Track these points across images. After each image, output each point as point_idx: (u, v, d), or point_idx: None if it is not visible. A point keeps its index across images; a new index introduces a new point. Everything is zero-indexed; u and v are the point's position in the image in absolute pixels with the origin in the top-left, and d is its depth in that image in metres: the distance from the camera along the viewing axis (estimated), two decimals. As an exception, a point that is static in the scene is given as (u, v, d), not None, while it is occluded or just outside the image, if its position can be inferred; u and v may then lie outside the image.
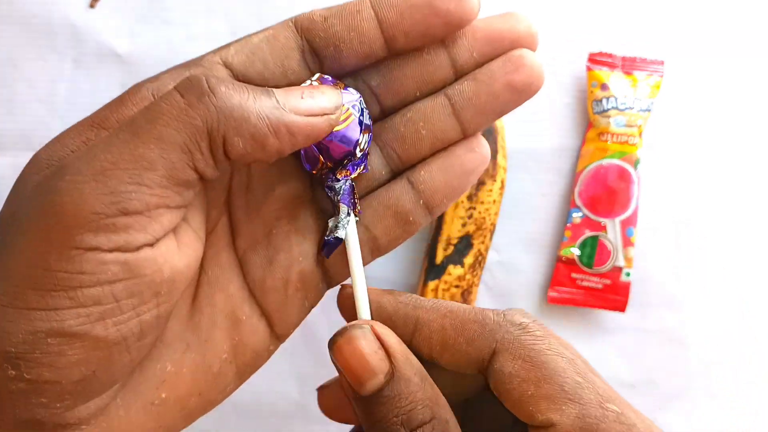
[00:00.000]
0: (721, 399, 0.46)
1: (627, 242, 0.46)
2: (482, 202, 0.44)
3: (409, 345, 0.23)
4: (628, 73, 0.46)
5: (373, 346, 0.21)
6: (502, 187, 0.45)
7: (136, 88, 0.22)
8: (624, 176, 0.46)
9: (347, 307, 0.24)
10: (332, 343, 0.22)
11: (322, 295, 0.26)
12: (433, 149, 0.25)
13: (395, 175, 0.26)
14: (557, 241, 0.47)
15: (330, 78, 0.23)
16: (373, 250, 0.25)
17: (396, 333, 0.22)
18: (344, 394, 0.22)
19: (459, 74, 0.24)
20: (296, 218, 0.25)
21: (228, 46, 0.23)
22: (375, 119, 0.25)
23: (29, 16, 0.47)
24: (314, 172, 0.24)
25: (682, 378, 0.46)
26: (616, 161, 0.46)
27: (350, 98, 0.23)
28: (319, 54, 0.23)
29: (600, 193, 0.46)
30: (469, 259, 0.44)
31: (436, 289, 0.44)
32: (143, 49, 0.47)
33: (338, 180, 0.23)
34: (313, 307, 0.26)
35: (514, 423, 0.22)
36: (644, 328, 0.47)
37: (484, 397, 0.24)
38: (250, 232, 0.24)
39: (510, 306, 0.48)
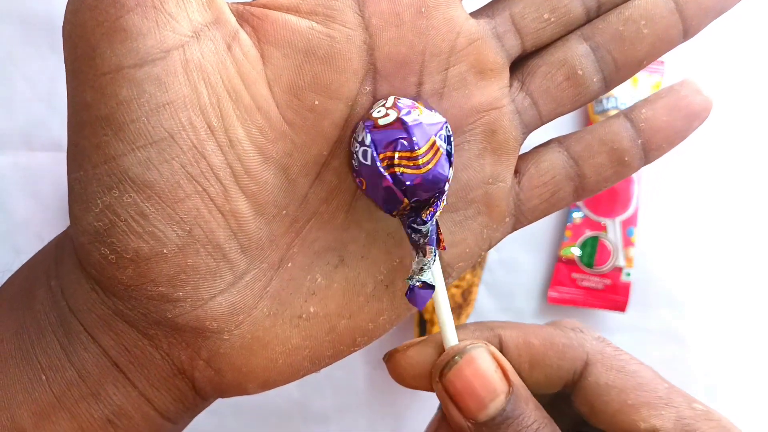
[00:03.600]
0: (721, 399, 0.46)
1: (627, 242, 0.46)
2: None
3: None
4: (628, 73, 0.46)
5: (493, 365, 0.20)
6: (502, 187, 0.45)
7: None
8: (624, 176, 0.46)
9: (411, 364, 0.22)
10: (446, 369, 0.20)
11: (507, 233, 0.24)
12: (653, 52, 0.23)
13: (608, 84, 0.23)
14: (558, 241, 0.47)
15: (407, 102, 0.20)
16: (578, 190, 0.23)
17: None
18: (450, 426, 0.21)
19: None
20: (494, 134, 0.22)
21: None
22: (590, 17, 0.23)
23: (29, 14, 0.47)
24: (394, 214, 0.21)
25: (682, 378, 0.46)
26: (616, 161, 0.46)
27: (434, 126, 0.20)
28: None
29: (600, 192, 0.46)
30: (469, 259, 0.44)
31: (436, 289, 0.44)
32: (143, 49, 0.47)
33: (425, 222, 0.20)
34: (492, 245, 0.23)
35: None
36: (644, 328, 0.47)
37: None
38: None
39: (510, 306, 0.48)
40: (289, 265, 0.21)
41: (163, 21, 0.17)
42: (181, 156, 0.18)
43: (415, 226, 0.20)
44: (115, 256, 0.18)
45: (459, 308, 0.45)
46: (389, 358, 0.23)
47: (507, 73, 0.22)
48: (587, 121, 0.47)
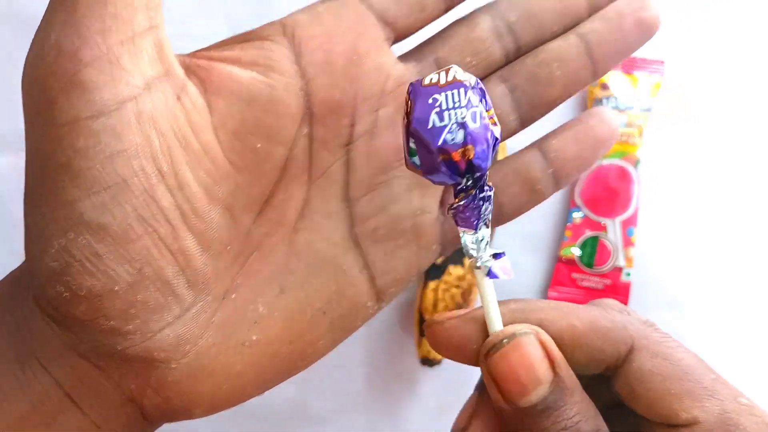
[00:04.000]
0: (721, 399, 0.46)
1: (627, 242, 0.46)
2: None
3: None
4: (628, 73, 0.46)
5: (540, 353, 0.20)
6: (502, 187, 0.45)
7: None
8: (624, 176, 0.46)
9: (448, 336, 0.22)
10: (492, 351, 0.20)
11: (434, 259, 0.25)
12: (565, 93, 0.24)
13: (523, 123, 0.26)
14: (558, 241, 0.47)
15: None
16: (497, 218, 0.25)
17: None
18: (492, 407, 0.21)
19: (593, 9, 0.24)
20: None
21: None
22: (509, 60, 0.24)
23: (29, 15, 0.47)
24: (460, 176, 0.20)
25: (683, 378, 0.46)
26: (616, 161, 0.46)
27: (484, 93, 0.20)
28: None
29: (600, 193, 0.46)
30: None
31: (436, 289, 0.44)
32: (143, 49, 0.47)
33: (488, 188, 0.20)
34: (421, 271, 0.25)
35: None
36: (644, 328, 0.47)
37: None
38: (367, 180, 0.23)
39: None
40: (233, 296, 0.22)
41: (117, 75, 0.19)
42: (133, 200, 0.19)
43: (484, 193, 0.20)
44: (69, 293, 0.19)
45: (459, 308, 0.45)
46: (428, 327, 0.23)
47: None
48: (587, 121, 0.47)
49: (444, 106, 0.19)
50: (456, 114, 0.19)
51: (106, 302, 0.19)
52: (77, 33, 0.19)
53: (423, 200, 0.24)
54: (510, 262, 0.21)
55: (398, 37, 0.24)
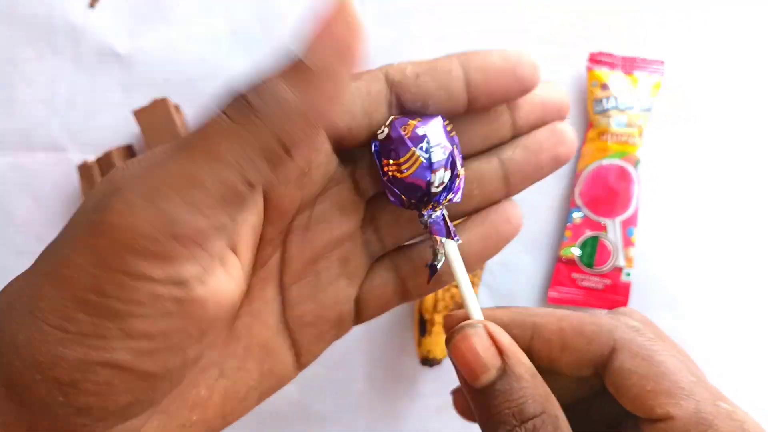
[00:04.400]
0: (721, 399, 0.46)
1: (627, 242, 0.46)
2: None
3: (528, 351, 0.24)
4: (628, 73, 0.46)
5: (485, 342, 0.23)
6: (502, 187, 0.45)
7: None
8: (624, 176, 0.46)
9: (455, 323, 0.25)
10: (449, 340, 0.23)
11: (347, 331, 0.28)
12: (480, 206, 0.26)
13: None
14: (558, 241, 0.47)
15: (402, 119, 0.24)
16: (401, 295, 0.27)
17: (515, 335, 0.24)
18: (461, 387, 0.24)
19: (516, 134, 0.26)
20: (347, 262, 0.26)
21: None
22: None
23: (29, 15, 0.47)
24: (405, 206, 0.25)
25: (683, 378, 0.46)
26: (616, 161, 0.46)
27: (416, 139, 0.24)
28: (404, 106, 0.24)
29: (600, 193, 0.46)
30: (469, 259, 0.44)
31: (436, 289, 0.44)
32: (143, 49, 0.47)
33: (423, 215, 0.24)
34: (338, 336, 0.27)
35: (621, 423, 0.24)
36: (644, 328, 0.47)
37: (591, 401, 0.26)
38: (299, 269, 0.25)
39: (512, 305, 0.48)
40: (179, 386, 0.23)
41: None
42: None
43: (419, 218, 0.25)
44: (43, 381, 0.19)
45: (460, 308, 0.45)
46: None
47: (362, 210, 0.26)
48: (587, 122, 0.47)
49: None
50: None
51: (79, 398, 0.20)
52: None
53: (347, 290, 0.26)
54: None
55: (341, 143, 0.25)
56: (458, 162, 0.24)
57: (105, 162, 0.45)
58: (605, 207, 0.46)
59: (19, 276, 0.20)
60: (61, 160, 0.47)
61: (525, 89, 0.25)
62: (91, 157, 0.46)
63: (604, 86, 0.46)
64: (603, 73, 0.46)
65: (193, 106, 0.47)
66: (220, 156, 0.19)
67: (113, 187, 0.19)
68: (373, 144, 0.24)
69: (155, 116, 0.45)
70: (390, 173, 0.24)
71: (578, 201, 0.46)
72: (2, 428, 0.20)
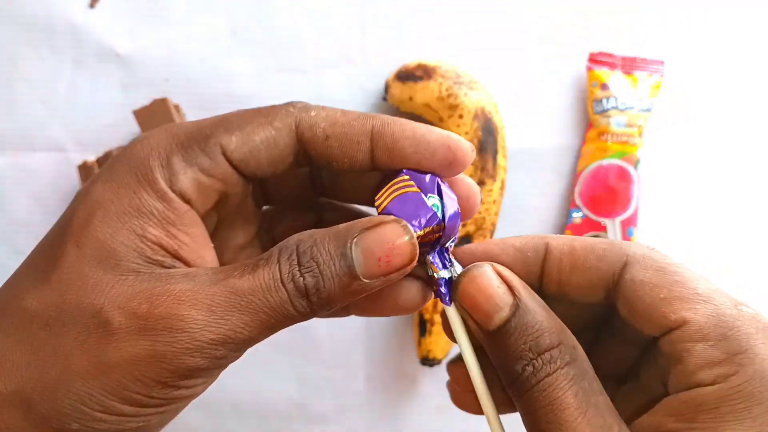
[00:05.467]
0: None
1: (627, 242, 0.46)
2: (482, 202, 0.44)
3: (540, 272, 0.24)
4: (628, 73, 0.46)
5: (495, 281, 0.22)
6: (502, 187, 0.45)
7: (146, 175, 0.23)
8: (624, 176, 0.46)
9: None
10: (457, 287, 0.23)
11: None
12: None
13: None
14: (557, 241, 0.47)
15: (416, 176, 0.24)
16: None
17: (526, 262, 0.24)
18: (475, 338, 0.23)
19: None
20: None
21: (229, 131, 0.24)
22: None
23: (29, 15, 0.47)
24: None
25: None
26: (616, 161, 0.46)
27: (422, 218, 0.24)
28: (311, 159, 0.25)
29: (600, 193, 0.46)
30: (469, 259, 0.44)
31: (436, 289, 0.44)
32: (143, 49, 0.47)
33: (423, 263, 0.24)
34: None
35: (634, 355, 0.23)
36: (644, 328, 0.47)
37: (601, 333, 0.25)
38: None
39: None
40: None
41: None
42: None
43: (421, 259, 0.24)
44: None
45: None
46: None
47: (259, 219, 0.28)
48: (587, 121, 0.47)
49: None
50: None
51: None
52: None
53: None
54: None
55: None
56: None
57: (105, 162, 0.45)
58: (605, 207, 0.46)
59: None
60: (61, 160, 0.47)
61: (454, 171, 0.25)
62: (91, 157, 0.46)
63: (604, 86, 0.46)
64: (603, 73, 0.46)
65: (193, 106, 0.47)
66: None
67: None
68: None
69: (155, 116, 0.45)
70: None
71: (578, 201, 0.46)
72: None
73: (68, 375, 0.20)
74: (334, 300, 0.22)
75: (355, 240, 0.22)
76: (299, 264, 0.22)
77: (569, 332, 0.22)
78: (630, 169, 0.46)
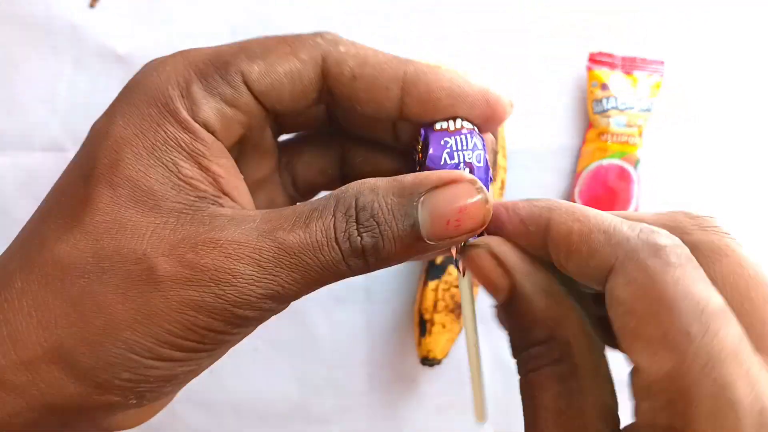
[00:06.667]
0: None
1: (627, 242, 0.46)
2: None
3: (545, 247, 0.21)
4: (628, 73, 0.46)
5: (490, 264, 0.21)
6: (502, 187, 0.45)
7: (168, 105, 0.21)
8: (624, 176, 0.46)
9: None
10: (463, 259, 0.22)
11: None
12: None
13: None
14: (557, 241, 0.47)
15: (471, 129, 0.23)
16: None
17: (529, 236, 0.21)
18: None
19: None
20: (273, 203, 0.27)
21: (251, 59, 0.22)
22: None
23: (29, 16, 0.47)
24: None
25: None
26: (616, 161, 0.46)
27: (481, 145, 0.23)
28: (334, 97, 0.23)
29: (600, 193, 0.46)
30: (469, 259, 0.44)
31: (436, 289, 0.44)
32: (143, 49, 0.47)
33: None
34: None
35: None
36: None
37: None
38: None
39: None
40: None
41: None
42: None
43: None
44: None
45: (459, 308, 0.45)
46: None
47: (277, 154, 0.27)
48: (587, 121, 0.47)
49: (454, 148, 0.22)
50: (464, 155, 0.22)
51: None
52: None
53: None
54: None
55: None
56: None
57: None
58: (605, 207, 0.46)
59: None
60: (61, 160, 0.47)
61: (495, 123, 0.23)
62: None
63: (604, 86, 0.46)
64: (603, 73, 0.46)
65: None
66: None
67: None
68: (425, 132, 0.23)
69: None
70: (486, 162, 0.23)
71: (578, 201, 0.46)
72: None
73: (113, 325, 0.19)
74: (393, 260, 0.21)
75: (422, 199, 0.20)
76: (357, 221, 0.20)
77: (571, 324, 0.20)
78: (630, 169, 0.46)
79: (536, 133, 0.47)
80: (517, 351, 0.21)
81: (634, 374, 0.17)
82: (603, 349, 0.20)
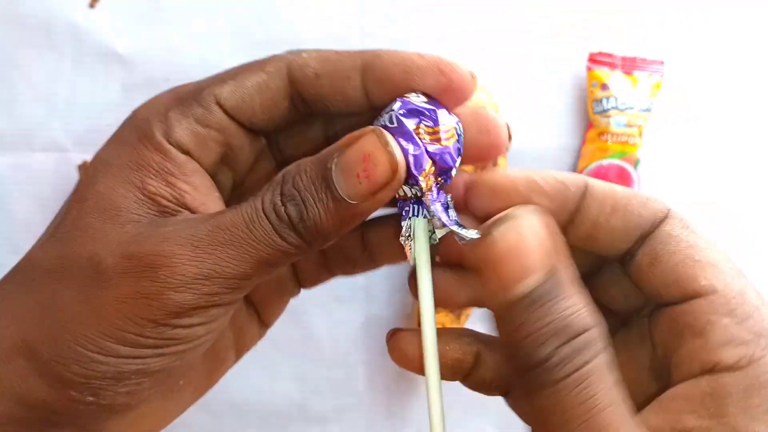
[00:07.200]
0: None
1: (627, 242, 0.46)
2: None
3: (578, 209, 0.21)
4: (628, 73, 0.46)
5: (538, 238, 0.18)
6: (502, 187, 0.45)
7: (145, 131, 0.23)
8: (624, 176, 0.46)
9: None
10: (489, 233, 0.19)
11: (297, 293, 0.29)
12: None
13: None
14: (557, 241, 0.47)
15: (420, 104, 0.23)
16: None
17: (565, 200, 0.21)
18: (481, 301, 0.22)
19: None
20: None
21: (223, 81, 0.24)
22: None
23: (29, 16, 0.47)
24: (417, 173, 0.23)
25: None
26: (616, 161, 0.46)
27: (450, 121, 0.23)
28: (307, 102, 0.24)
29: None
30: (469, 259, 0.44)
31: (436, 289, 0.44)
32: (143, 49, 0.47)
33: (430, 190, 0.23)
34: (290, 298, 0.30)
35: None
36: (644, 328, 0.47)
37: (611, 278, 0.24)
38: None
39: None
40: None
41: None
42: None
43: (424, 192, 0.23)
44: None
45: (459, 308, 0.45)
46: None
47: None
48: (587, 121, 0.47)
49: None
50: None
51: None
52: None
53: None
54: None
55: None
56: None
57: (105, 162, 0.45)
58: (605, 207, 0.46)
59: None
60: (61, 160, 0.47)
61: (458, 99, 0.23)
62: (91, 157, 0.46)
63: (604, 86, 0.46)
64: (603, 73, 0.46)
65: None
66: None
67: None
68: (399, 100, 0.23)
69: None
70: (426, 136, 0.22)
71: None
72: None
73: (67, 320, 0.20)
74: (325, 228, 0.21)
75: (335, 160, 0.21)
76: (282, 193, 0.21)
77: (598, 315, 0.19)
78: (630, 169, 0.46)
79: (536, 133, 0.47)
80: (543, 351, 0.18)
81: (709, 297, 0.19)
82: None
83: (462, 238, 0.22)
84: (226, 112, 0.23)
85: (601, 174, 0.46)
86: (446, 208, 0.23)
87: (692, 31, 0.48)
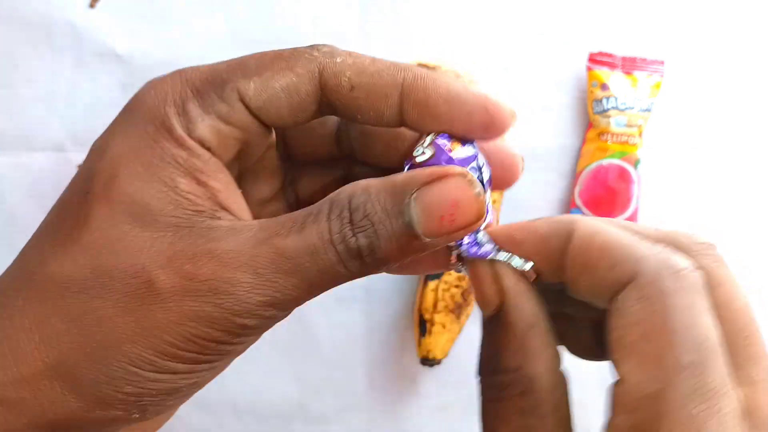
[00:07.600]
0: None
1: (627, 242, 0.46)
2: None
3: (558, 268, 0.21)
4: (628, 73, 0.46)
5: (488, 279, 0.21)
6: (502, 187, 0.45)
7: (164, 123, 0.21)
8: (624, 176, 0.46)
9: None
10: (465, 262, 0.22)
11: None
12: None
13: None
14: (557, 241, 0.47)
15: (443, 137, 0.22)
16: None
17: (548, 252, 0.21)
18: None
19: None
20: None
21: (246, 76, 0.22)
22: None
23: (29, 15, 0.47)
24: None
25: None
26: (616, 161, 0.46)
27: (466, 159, 0.22)
28: (335, 110, 0.23)
29: (600, 193, 0.46)
30: (469, 259, 0.44)
31: (436, 289, 0.44)
32: (143, 49, 0.47)
33: (459, 246, 0.22)
34: None
35: None
36: (644, 328, 0.47)
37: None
38: None
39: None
40: None
41: None
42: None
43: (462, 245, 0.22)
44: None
45: (459, 308, 0.45)
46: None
47: (283, 173, 0.27)
48: (587, 121, 0.47)
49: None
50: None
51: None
52: None
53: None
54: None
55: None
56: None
57: (105, 162, 0.45)
58: (605, 207, 0.46)
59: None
60: (61, 160, 0.47)
61: (494, 134, 0.23)
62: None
63: (604, 86, 0.46)
64: (603, 73, 0.46)
65: (193, 106, 0.47)
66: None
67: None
68: (407, 167, 0.22)
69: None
70: None
71: (578, 201, 0.46)
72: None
73: (114, 339, 0.19)
74: (391, 260, 0.20)
75: (414, 195, 0.20)
76: (351, 222, 0.20)
77: (541, 359, 0.20)
78: (630, 169, 0.46)
79: (536, 133, 0.47)
80: (484, 371, 0.21)
81: (618, 386, 0.18)
82: (567, 391, 0.20)
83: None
84: (250, 110, 0.22)
85: (601, 174, 0.46)
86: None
87: (692, 31, 0.48)
